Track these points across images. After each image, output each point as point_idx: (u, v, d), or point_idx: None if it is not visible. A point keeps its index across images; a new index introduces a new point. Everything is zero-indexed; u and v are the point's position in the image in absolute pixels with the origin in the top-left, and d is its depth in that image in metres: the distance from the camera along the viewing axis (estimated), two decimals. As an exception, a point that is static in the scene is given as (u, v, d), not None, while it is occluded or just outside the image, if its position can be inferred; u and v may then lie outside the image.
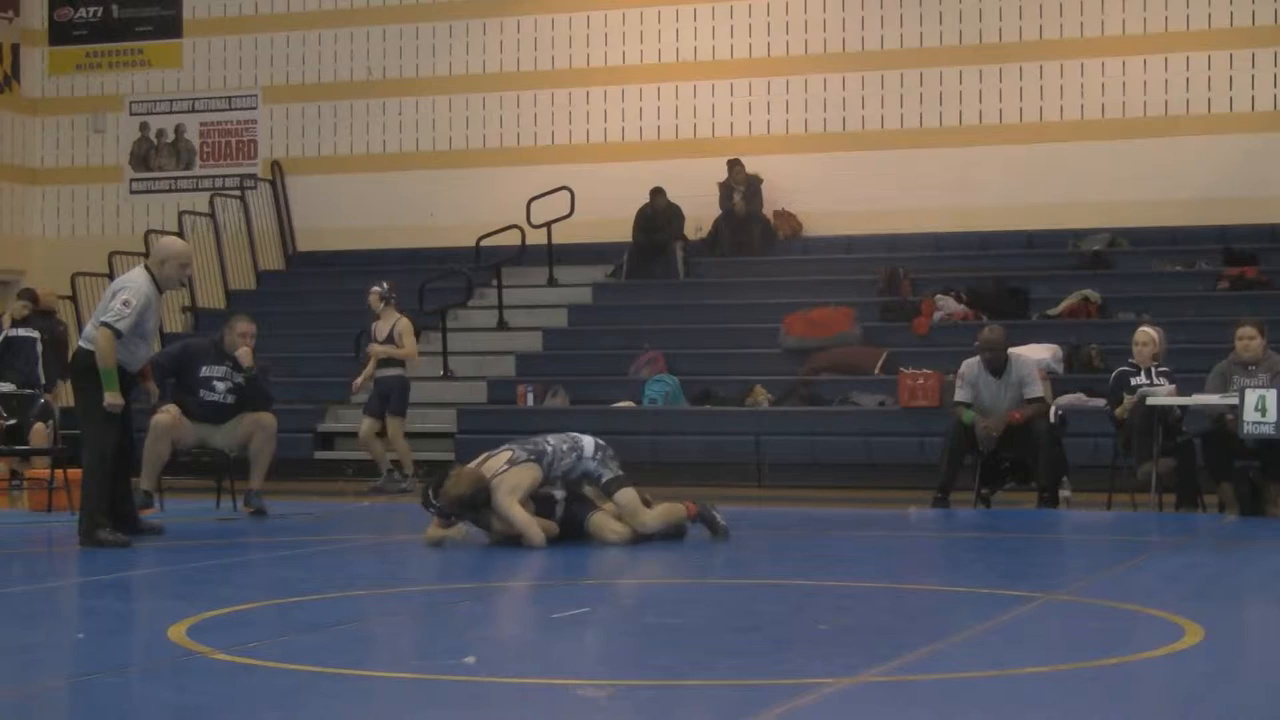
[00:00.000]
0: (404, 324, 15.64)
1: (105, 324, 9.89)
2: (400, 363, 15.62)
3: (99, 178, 22.96)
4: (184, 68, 22.68)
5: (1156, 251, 18.49)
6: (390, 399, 15.54)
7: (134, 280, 10.10)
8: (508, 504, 9.65)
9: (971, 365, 13.10)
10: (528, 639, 6.94)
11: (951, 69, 19.76)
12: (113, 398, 9.87)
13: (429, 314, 18.58)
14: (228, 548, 10.65)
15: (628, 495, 9.91)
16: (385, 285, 15.84)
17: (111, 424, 9.99)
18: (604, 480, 9.93)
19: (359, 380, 15.86)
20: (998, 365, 12.97)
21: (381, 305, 15.68)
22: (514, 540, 9.75)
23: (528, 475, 9.76)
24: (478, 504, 9.65)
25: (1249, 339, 12.32)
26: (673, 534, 10.15)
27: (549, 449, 9.89)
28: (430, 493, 9.85)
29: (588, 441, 10.03)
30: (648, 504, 10.08)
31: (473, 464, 9.89)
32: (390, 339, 15.57)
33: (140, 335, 10.10)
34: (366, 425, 15.62)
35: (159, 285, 10.18)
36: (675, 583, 8.80)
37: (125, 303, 9.94)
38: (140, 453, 10.46)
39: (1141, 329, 13.24)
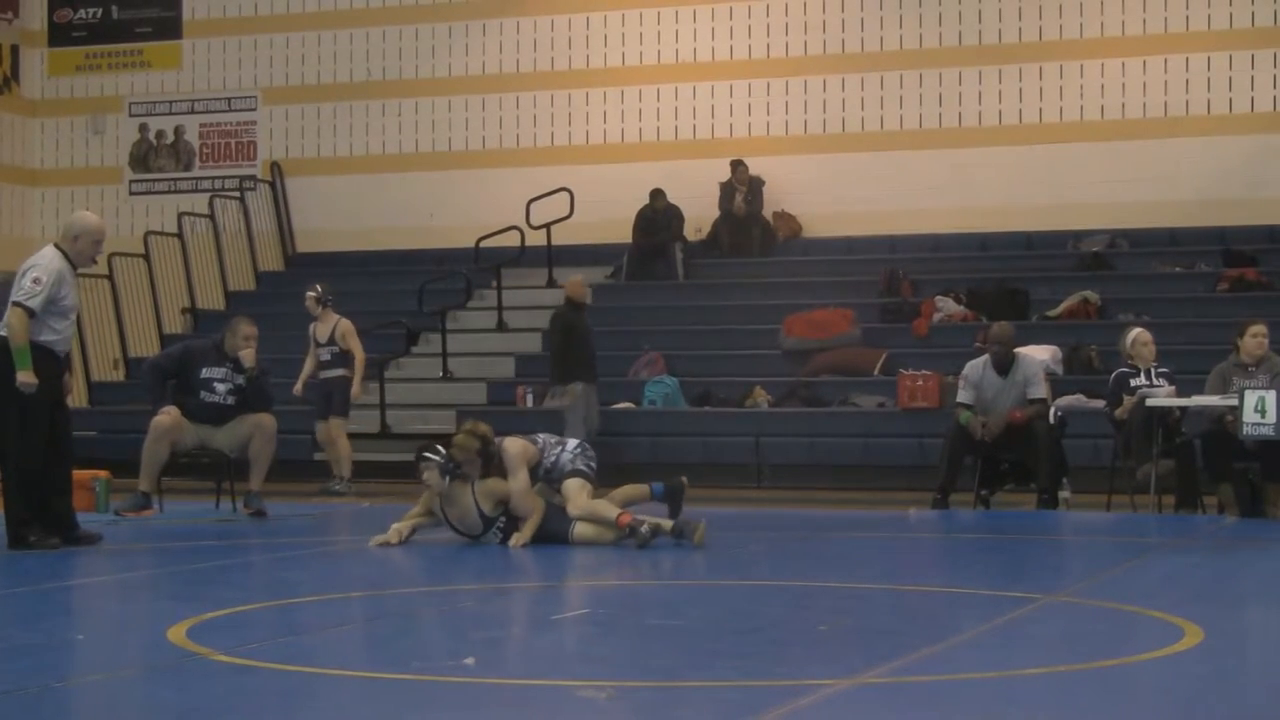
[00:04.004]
0: (345, 325, 15.40)
1: (17, 303, 9.72)
2: (346, 363, 15.39)
3: (98, 179, 22.95)
4: (183, 69, 22.68)
5: (1156, 253, 18.50)
6: (333, 399, 15.42)
7: (43, 258, 9.93)
8: (517, 463, 9.90)
9: (975, 366, 13.08)
10: (527, 640, 6.94)
11: (951, 69, 19.75)
12: (25, 376, 9.65)
13: (428, 315, 18.57)
14: (227, 549, 10.65)
15: (570, 483, 10.02)
16: (320, 288, 15.60)
17: (29, 431, 9.78)
18: (565, 471, 10.06)
19: (298, 386, 15.54)
20: (1004, 362, 12.95)
21: (319, 308, 15.48)
22: (463, 534, 10.02)
23: (529, 446, 10.09)
24: (488, 458, 9.90)
25: (1261, 336, 12.28)
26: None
27: (540, 440, 10.23)
28: (429, 450, 9.92)
29: (572, 440, 10.41)
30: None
31: None
32: (332, 340, 15.39)
33: (60, 313, 9.90)
34: (321, 429, 15.57)
35: (72, 262, 9.99)
36: (675, 583, 8.79)
37: (35, 280, 9.76)
38: (68, 450, 10.23)
39: (1140, 329, 13.24)
